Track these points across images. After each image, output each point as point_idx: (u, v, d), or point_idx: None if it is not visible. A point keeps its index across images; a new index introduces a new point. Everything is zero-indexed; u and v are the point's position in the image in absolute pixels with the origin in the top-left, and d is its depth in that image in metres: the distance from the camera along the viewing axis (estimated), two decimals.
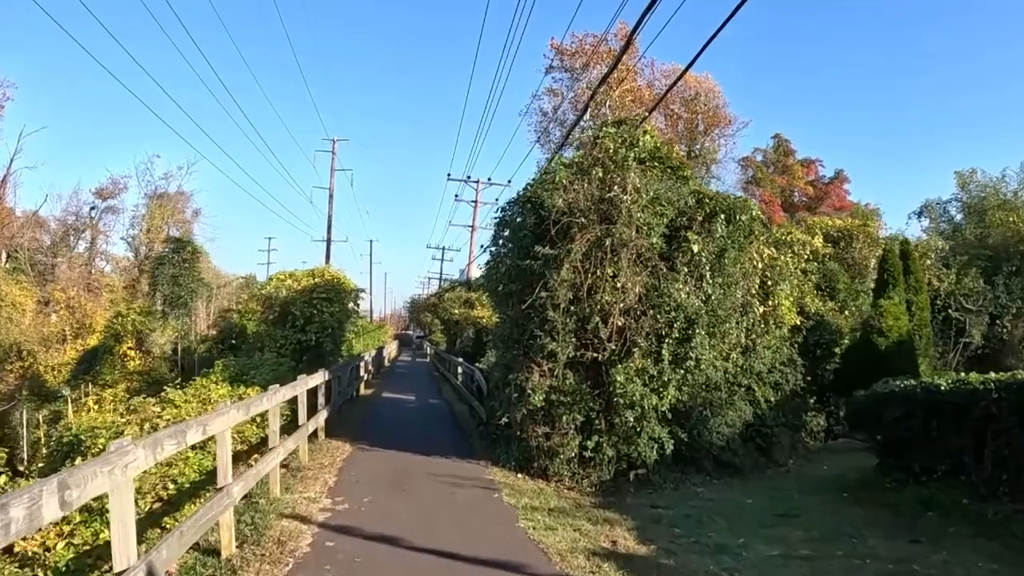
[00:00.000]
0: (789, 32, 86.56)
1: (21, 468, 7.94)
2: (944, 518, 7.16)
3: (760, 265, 10.35)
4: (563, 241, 8.44)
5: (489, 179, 35.34)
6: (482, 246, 11.37)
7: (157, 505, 6.17)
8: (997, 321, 19.28)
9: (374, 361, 24.84)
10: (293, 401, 9.08)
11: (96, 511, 5.14)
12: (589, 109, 23.31)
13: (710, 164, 34.67)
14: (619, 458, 8.62)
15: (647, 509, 7.56)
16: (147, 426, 7.42)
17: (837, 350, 13.86)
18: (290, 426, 9.33)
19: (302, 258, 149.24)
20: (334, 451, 9.92)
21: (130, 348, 20.68)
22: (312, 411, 9.98)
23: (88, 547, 5.14)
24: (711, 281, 8.68)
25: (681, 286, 8.42)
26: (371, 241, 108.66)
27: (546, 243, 8.50)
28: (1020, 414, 6.82)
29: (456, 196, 37.53)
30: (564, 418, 8.45)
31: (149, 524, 5.94)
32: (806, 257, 14.92)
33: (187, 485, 6.73)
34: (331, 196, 34.47)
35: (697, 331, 8.41)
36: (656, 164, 9.57)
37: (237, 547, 5.29)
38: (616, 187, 8.49)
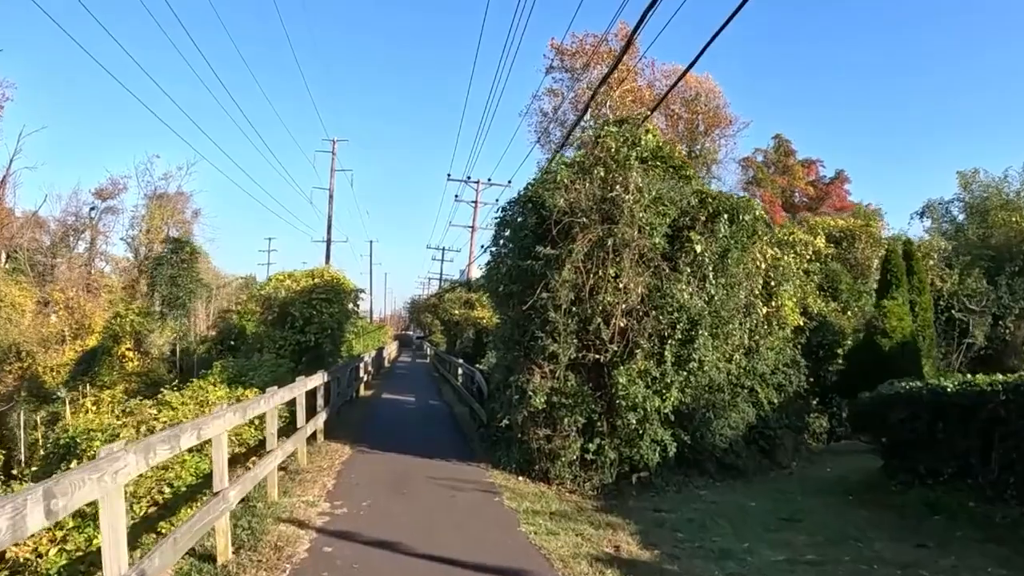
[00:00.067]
0: (789, 32, 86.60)
1: (15, 472, 7.81)
2: (951, 521, 7.07)
3: (763, 265, 10.26)
4: (564, 241, 8.35)
5: (489, 179, 35.28)
6: (482, 246, 11.29)
7: (153, 510, 6.07)
8: (1000, 322, 19.17)
9: (374, 362, 24.76)
10: (291, 403, 8.99)
11: (89, 516, 5.03)
12: (589, 109, 23.23)
13: (711, 164, 34.57)
14: (621, 461, 8.52)
15: (650, 513, 7.46)
16: (143, 428, 7.33)
17: (840, 351, 13.77)
18: (288, 428, 9.23)
19: (302, 258, 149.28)
20: (333, 453, 9.82)
21: (128, 349, 20.59)
22: (311, 413, 9.89)
23: (81, 553, 5.04)
24: (714, 282, 8.58)
25: (684, 287, 8.32)
26: (371, 242, 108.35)
27: (547, 243, 8.40)
28: None
29: (456, 196, 37.47)
30: (565, 420, 8.35)
31: (144, 529, 5.85)
32: (808, 257, 14.84)
33: (183, 489, 6.63)
34: (331, 196, 34.42)
35: (700, 332, 8.31)
36: (658, 163, 9.48)
37: (233, 553, 5.20)
38: (618, 186, 8.39)
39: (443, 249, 49.12)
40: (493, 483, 8.42)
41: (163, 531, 5.75)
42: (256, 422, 8.17)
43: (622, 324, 8.28)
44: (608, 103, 28.51)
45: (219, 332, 26.44)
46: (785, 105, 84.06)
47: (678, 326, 8.26)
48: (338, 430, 11.68)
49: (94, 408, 12.00)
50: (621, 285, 8.19)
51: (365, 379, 20.42)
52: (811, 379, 11.62)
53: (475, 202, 35.90)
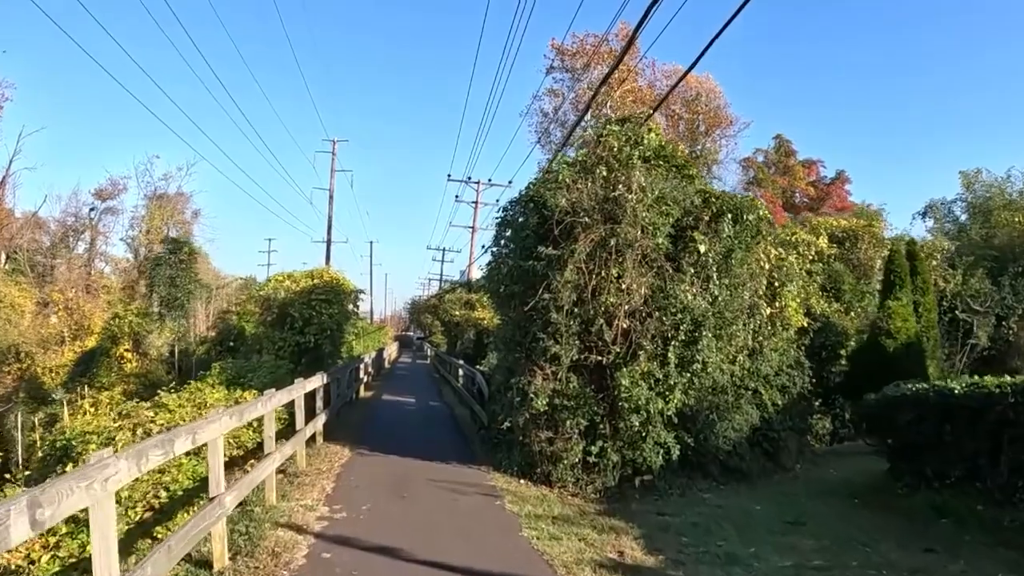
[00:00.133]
0: (789, 32, 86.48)
1: (8, 476, 7.71)
2: (959, 525, 6.97)
3: (767, 266, 10.16)
4: (566, 241, 8.25)
5: (490, 180, 35.18)
6: (483, 246, 11.18)
7: (148, 514, 5.96)
8: (1003, 323, 19.06)
9: (374, 363, 24.66)
10: (290, 405, 8.89)
11: (83, 522, 4.92)
12: (590, 110, 23.14)
13: (711, 165, 34.45)
14: (624, 463, 8.41)
15: (653, 516, 7.35)
16: (140, 431, 7.22)
17: (843, 352, 13.68)
18: (287, 430, 9.13)
19: (302, 259, 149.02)
20: (333, 456, 9.72)
21: (127, 350, 20.49)
22: (310, 415, 9.79)
23: (74, 559, 4.94)
24: (718, 282, 8.48)
25: (687, 287, 8.23)
26: (371, 242, 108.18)
27: (549, 243, 8.30)
28: None
29: (456, 197, 37.34)
30: (568, 422, 8.25)
31: (140, 534, 5.74)
32: (811, 258, 14.77)
33: (180, 493, 6.52)
34: (331, 197, 34.35)
35: (704, 333, 8.21)
36: (661, 163, 9.38)
37: (230, 559, 5.09)
38: (621, 186, 8.30)
39: (443, 250, 49.08)
40: (494, 486, 8.31)
41: (159, 536, 5.64)
42: (254, 424, 8.07)
43: (625, 325, 8.18)
44: (609, 103, 28.43)
45: (218, 333, 26.34)
46: (785, 105, 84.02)
47: (681, 327, 8.16)
48: (338, 432, 11.57)
49: (92, 410, 11.88)
50: (624, 286, 8.09)
51: (365, 380, 20.31)
52: (814, 380, 11.51)
53: (475, 203, 35.82)
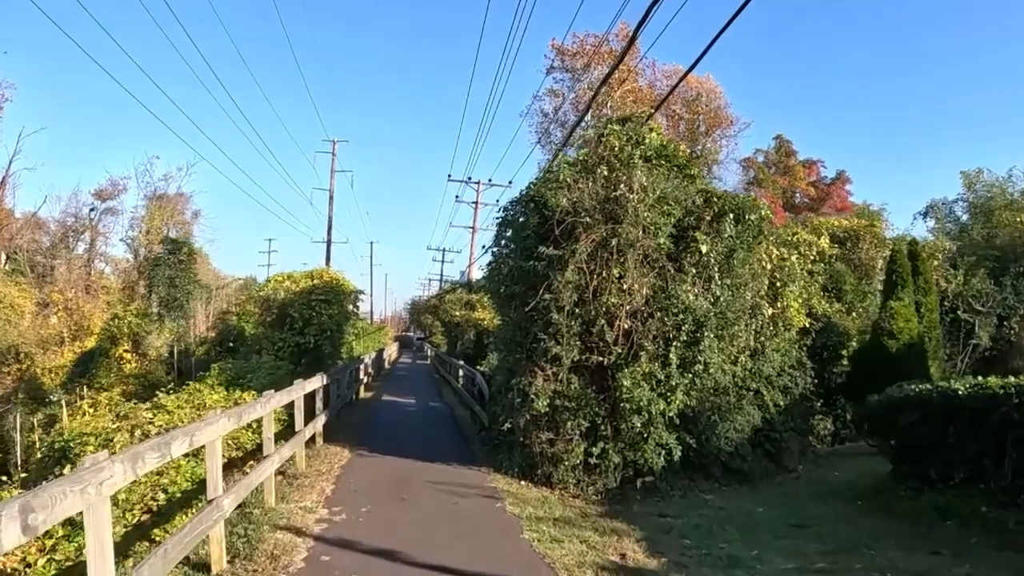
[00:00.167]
0: (789, 32, 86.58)
1: (5, 478, 7.66)
2: (963, 528, 6.91)
3: (769, 266, 10.11)
4: (567, 241, 8.19)
5: (490, 180, 35.13)
6: (483, 246, 11.14)
7: (146, 517, 5.91)
8: (1004, 323, 19.00)
9: (374, 363, 24.61)
10: (290, 406, 8.84)
11: (79, 524, 4.86)
12: (591, 110, 23.08)
13: (712, 165, 34.37)
14: (625, 465, 8.36)
15: (655, 518, 7.30)
16: (138, 433, 7.18)
17: (844, 352, 13.62)
18: (287, 431, 9.08)
19: (302, 259, 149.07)
20: (332, 457, 9.66)
21: (126, 351, 20.44)
22: (310, 416, 9.74)
23: (70, 563, 4.89)
24: (720, 282, 8.43)
25: (689, 288, 8.17)
26: (371, 243, 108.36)
27: (550, 243, 8.25)
28: None
29: (457, 197, 37.31)
30: (569, 424, 8.19)
31: (138, 537, 5.70)
32: (812, 258, 14.71)
33: (178, 495, 6.47)
34: (331, 197, 34.31)
35: (706, 334, 8.15)
36: (662, 162, 9.32)
37: (228, 562, 5.04)
38: (622, 185, 8.24)
39: (443, 250, 49.04)
40: (495, 488, 8.26)
41: (157, 539, 5.59)
42: (253, 426, 8.02)
43: (626, 326, 8.13)
44: (609, 103, 28.37)
45: (218, 334, 26.30)
46: (785, 105, 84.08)
47: (683, 328, 8.11)
48: (337, 433, 11.52)
49: (91, 411, 11.83)
50: (625, 286, 8.04)
51: (365, 381, 20.26)
52: (815, 381, 11.47)
53: (476, 203, 35.76)
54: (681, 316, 8.09)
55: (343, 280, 17.54)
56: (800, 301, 11.18)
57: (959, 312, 17.79)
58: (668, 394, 8.12)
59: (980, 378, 7.79)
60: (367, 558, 5.34)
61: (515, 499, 7.71)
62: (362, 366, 19.25)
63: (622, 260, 8.06)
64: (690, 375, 8.25)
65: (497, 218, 9.84)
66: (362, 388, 19.16)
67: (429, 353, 41.52)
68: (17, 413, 16.96)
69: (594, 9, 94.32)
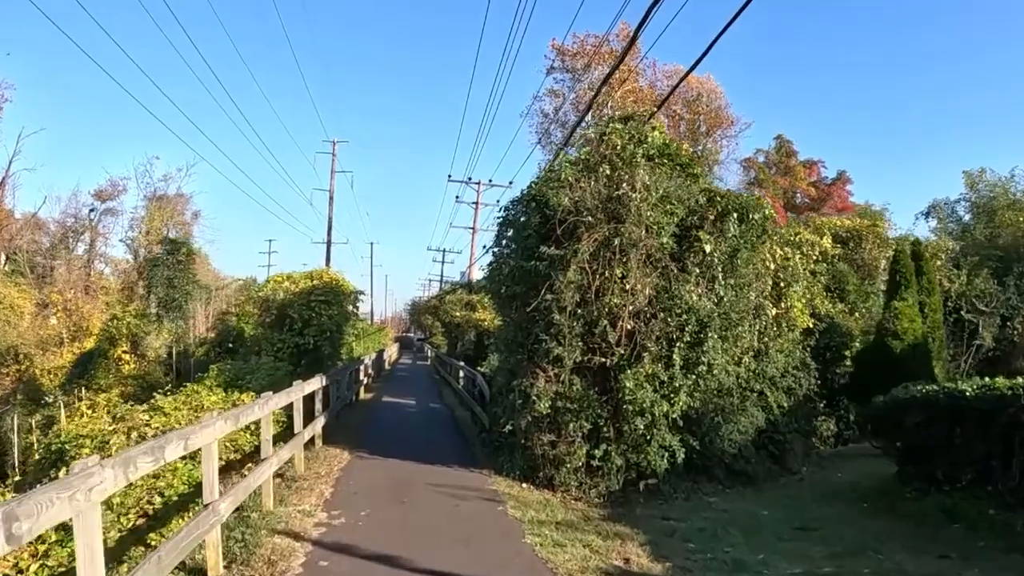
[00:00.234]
0: (789, 32, 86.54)
1: (0, 479, 7.57)
2: (971, 531, 6.81)
3: (773, 266, 10.01)
4: (569, 241, 8.10)
5: (490, 181, 35.03)
6: (484, 246, 11.08)
7: (142, 521, 5.82)
8: (1008, 323, 18.91)
9: (374, 364, 24.51)
10: (288, 408, 8.76)
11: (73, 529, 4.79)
12: (591, 110, 22.98)
13: (712, 165, 34.27)
14: (628, 467, 8.26)
15: (658, 521, 7.20)
16: (134, 435, 7.09)
17: (848, 353, 13.52)
18: (286, 433, 8.99)
19: (303, 260, 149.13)
20: (332, 459, 9.57)
21: (125, 352, 20.33)
22: (309, 417, 9.65)
23: (63, 569, 4.79)
24: (723, 282, 8.33)
25: (693, 288, 8.07)
26: (372, 243, 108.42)
27: (551, 243, 8.15)
28: None
29: (457, 198, 37.25)
30: (571, 425, 8.09)
31: (133, 542, 5.60)
32: (815, 258, 14.59)
33: (175, 498, 6.38)
34: (331, 198, 34.23)
35: (709, 335, 8.06)
36: (665, 161, 9.23)
37: (225, 567, 4.95)
38: (625, 184, 8.14)
39: (444, 251, 49.02)
40: (496, 491, 8.16)
41: (153, 543, 5.50)
42: (252, 428, 7.93)
43: (629, 326, 8.03)
44: (609, 103, 28.26)
45: (218, 334, 26.21)
46: (786, 105, 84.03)
47: (687, 328, 8.01)
48: (337, 435, 11.43)
49: (89, 412, 11.73)
50: (628, 286, 7.94)
51: (365, 382, 20.17)
52: (818, 381, 11.37)
53: (476, 203, 35.66)
54: (684, 316, 7.99)
55: (343, 280, 17.44)
56: (804, 301, 11.08)
57: (962, 312, 17.70)
58: (671, 395, 8.02)
59: (987, 379, 7.71)
60: (366, 563, 5.24)
61: (516, 502, 7.61)
62: (362, 367, 19.16)
63: (625, 260, 7.97)
64: (693, 376, 8.16)
65: (498, 218, 9.75)
66: (362, 389, 19.07)
67: (429, 354, 41.44)
68: (15, 414, 16.86)
69: (594, 9, 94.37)
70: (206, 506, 4.73)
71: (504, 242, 9.39)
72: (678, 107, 32.94)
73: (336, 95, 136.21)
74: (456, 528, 6.48)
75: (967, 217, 25.17)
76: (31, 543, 4.80)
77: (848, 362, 13.47)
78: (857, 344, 13.69)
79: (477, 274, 31.38)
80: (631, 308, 7.97)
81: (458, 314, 28.96)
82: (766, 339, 9.71)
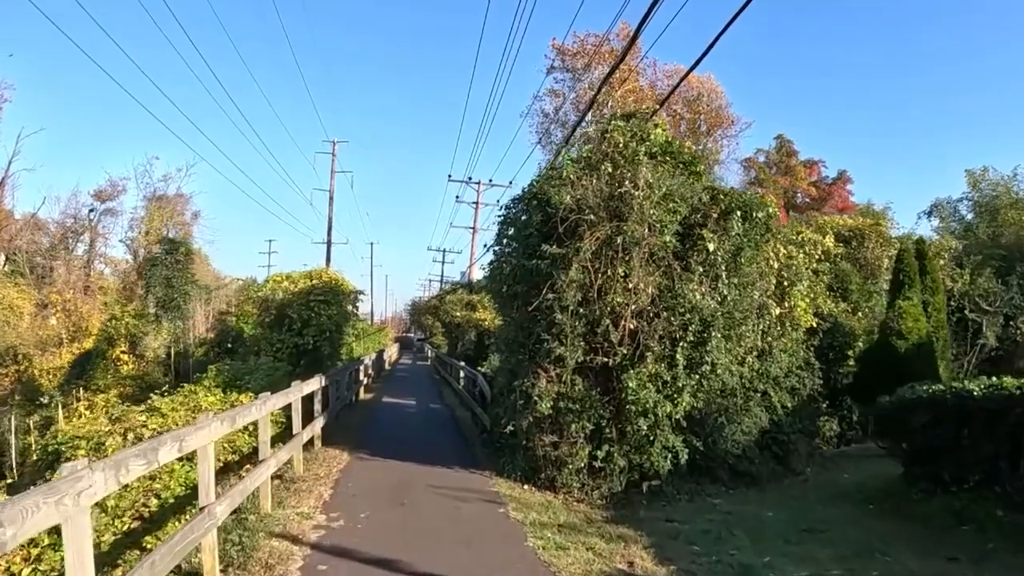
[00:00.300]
0: (789, 32, 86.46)
1: None
2: (980, 532, 6.72)
3: (776, 264, 9.91)
4: (571, 239, 7.99)
5: (491, 180, 34.96)
6: (485, 245, 10.98)
7: (137, 524, 5.72)
8: (1011, 322, 18.80)
9: (374, 364, 24.42)
10: (287, 408, 8.66)
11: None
12: (591, 110, 22.89)
13: (713, 165, 34.18)
14: (631, 468, 8.16)
15: (662, 523, 7.10)
16: (131, 436, 7.01)
17: (851, 353, 13.41)
18: (284, 434, 8.90)
19: (303, 260, 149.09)
20: (331, 460, 9.47)
21: (123, 352, 20.22)
22: (308, 418, 9.55)
23: (56, 573, 4.69)
24: (727, 281, 8.23)
25: (696, 287, 7.97)
26: (372, 244, 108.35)
27: (553, 242, 8.05)
28: None
29: (457, 198, 37.18)
30: (573, 426, 7.99)
31: (128, 545, 5.50)
32: (818, 257, 14.49)
33: (172, 500, 6.29)
34: (331, 198, 34.14)
35: (713, 334, 7.96)
36: (668, 159, 9.13)
37: (221, 571, 4.86)
38: (627, 182, 8.04)
39: (444, 251, 48.96)
40: (497, 492, 8.06)
41: (149, 546, 5.40)
42: (250, 429, 7.84)
43: (632, 326, 7.93)
44: (610, 103, 28.17)
45: (217, 335, 26.12)
46: (786, 105, 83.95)
47: (690, 328, 7.91)
48: (336, 436, 11.33)
49: (87, 413, 11.64)
50: (631, 285, 7.84)
51: (365, 382, 20.08)
52: (821, 381, 11.26)
53: (476, 203, 35.58)
54: (688, 316, 7.90)
55: (342, 280, 17.33)
56: (808, 301, 10.97)
57: (966, 312, 17.59)
58: (675, 396, 7.92)
59: (995, 378, 7.61)
60: (365, 568, 5.14)
61: (518, 504, 7.50)
62: (362, 367, 19.06)
63: (627, 258, 7.87)
64: (697, 376, 8.05)
65: (499, 216, 9.65)
66: (362, 390, 18.97)
67: (429, 354, 41.35)
68: (12, 415, 16.75)
69: (594, 9, 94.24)
70: (201, 509, 4.63)
71: (505, 241, 9.29)
72: (679, 107, 32.85)
73: (336, 95, 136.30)
74: (457, 531, 6.39)
75: (970, 216, 25.08)
76: (23, 547, 4.71)
77: (851, 362, 13.36)
78: (860, 344, 13.58)
79: (477, 274, 31.31)
80: (634, 307, 7.87)
81: (458, 314, 28.86)
82: (770, 338, 9.60)
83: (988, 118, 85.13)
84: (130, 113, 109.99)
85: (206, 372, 13.01)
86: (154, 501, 6.11)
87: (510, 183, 32.74)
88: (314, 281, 16.17)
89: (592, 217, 7.98)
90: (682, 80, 14.57)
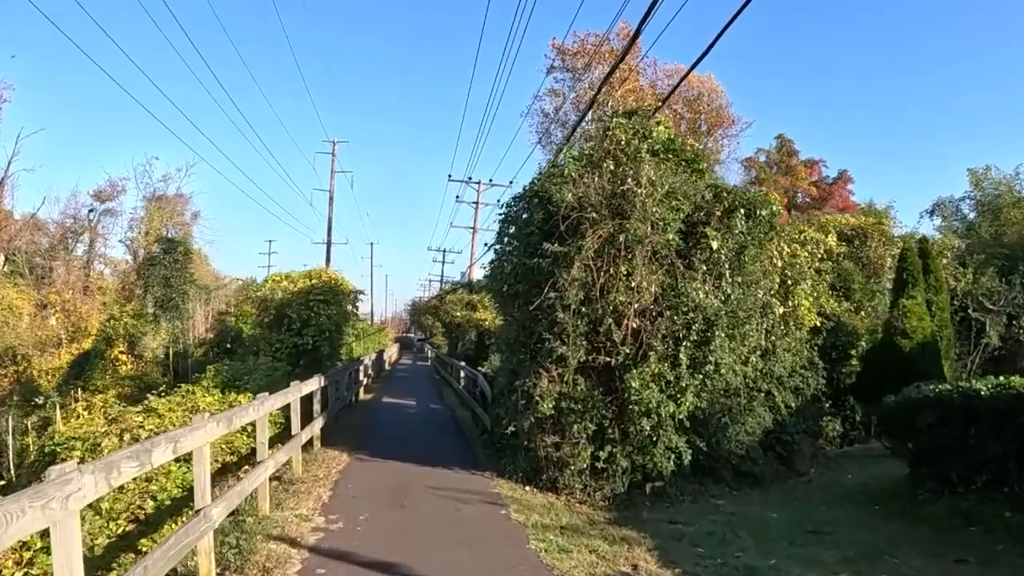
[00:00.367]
0: (789, 32, 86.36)
1: None
2: (988, 534, 6.62)
3: (780, 263, 9.82)
4: (573, 238, 7.90)
5: (491, 180, 34.86)
6: (485, 245, 10.88)
7: (132, 526, 5.63)
8: (1014, 322, 18.71)
9: (374, 365, 24.32)
10: (286, 409, 8.56)
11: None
12: (592, 109, 22.78)
13: (713, 165, 34.07)
14: (634, 469, 8.06)
15: (666, 525, 7.01)
16: (127, 437, 6.91)
17: (854, 352, 13.31)
18: (283, 435, 8.80)
19: (303, 260, 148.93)
20: (330, 461, 9.37)
21: (122, 352, 20.12)
22: (307, 419, 9.46)
23: None
24: (731, 280, 8.14)
25: (699, 285, 7.88)
26: (372, 244, 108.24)
27: (555, 240, 7.95)
28: None
29: (457, 197, 37.10)
30: (575, 427, 7.90)
31: (123, 548, 5.41)
32: (820, 256, 14.40)
33: (168, 502, 6.20)
34: (331, 198, 34.03)
35: (716, 333, 7.87)
36: (670, 156, 9.03)
37: (218, 575, 4.76)
38: (629, 180, 7.95)
39: (444, 251, 48.85)
40: (499, 494, 7.96)
41: (144, 549, 5.31)
42: (248, 429, 7.74)
43: (634, 325, 7.84)
44: (610, 103, 28.07)
45: (217, 335, 26.01)
46: (786, 105, 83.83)
47: (693, 327, 7.81)
48: (336, 436, 11.23)
49: (86, 413, 11.56)
50: (633, 284, 7.75)
51: (365, 382, 19.98)
52: (825, 381, 11.17)
53: (476, 203, 35.49)
54: (691, 315, 7.80)
55: (342, 280, 17.22)
56: (811, 300, 10.88)
57: (969, 311, 17.49)
58: (678, 396, 7.82)
59: (1002, 378, 7.52)
60: (364, 571, 5.04)
61: (520, 505, 7.41)
62: (362, 367, 18.97)
63: (630, 257, 7.77)
64: (700, 376, 7.96)
65: (500, 214, 9.55)
66: (362, 390, 18.88)
67: (430, 354, 41.26)
68: (9, 416, 16.66)
69: (594, 9, 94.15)
70: (197, 512, 4.54)
71: (506, 239, 9.19)
72: (679, 106, 32.73)
73: (336, 95, 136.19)
74: (458, 533, 6.29)
75: (972, 215, 24.98)
76: (15, 550, 4.62)
77: (854, 361, 13.26)
78: (863, 343, 13.49)
79: (478, 274, 31.21)
80: (636, 306, 7.78)
81: (459, 314, 28.76)
82: (773, 338, 9.51)
83: (988, 118, 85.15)
84: (130, 113, 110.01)
85: (205, 372, 12.91)
86: (150, 503, 6.02)
87: (510, 183, 32.66)
88: (314, 281, 16.06)
89: (594, 215, 7.89)
90: (683, 80, 14.47)
